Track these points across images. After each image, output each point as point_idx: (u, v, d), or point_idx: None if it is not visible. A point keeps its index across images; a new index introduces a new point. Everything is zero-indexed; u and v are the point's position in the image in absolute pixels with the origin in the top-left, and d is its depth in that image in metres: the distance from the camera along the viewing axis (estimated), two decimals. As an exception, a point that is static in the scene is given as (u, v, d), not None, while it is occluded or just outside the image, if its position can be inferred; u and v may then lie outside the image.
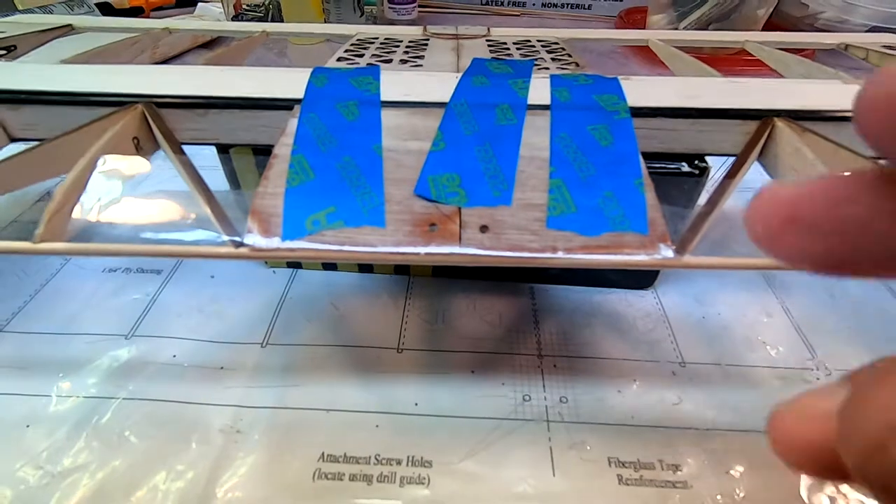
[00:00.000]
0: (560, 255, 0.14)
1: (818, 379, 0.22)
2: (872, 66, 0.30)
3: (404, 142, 0.17)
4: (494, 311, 0.26)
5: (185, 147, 0.18)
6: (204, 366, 0.22)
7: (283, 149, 0.16)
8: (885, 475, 0.06)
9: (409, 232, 0.14)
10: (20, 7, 0.55)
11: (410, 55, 0.27)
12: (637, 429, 0.20)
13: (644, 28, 0.60)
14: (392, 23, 0.67)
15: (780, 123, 0.17)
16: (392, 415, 0.21)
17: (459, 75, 0.20)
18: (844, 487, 0.17)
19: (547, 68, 0.24)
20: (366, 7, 0.63)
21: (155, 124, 0.18)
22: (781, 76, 0.28)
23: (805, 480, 0.18)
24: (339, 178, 0.15)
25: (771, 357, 0.23)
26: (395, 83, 0.19)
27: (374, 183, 0.15)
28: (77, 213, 0.15)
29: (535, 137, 0.17)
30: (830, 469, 0.07)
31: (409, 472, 0.19)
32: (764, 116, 0.18)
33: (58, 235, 0.14)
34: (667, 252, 0.14)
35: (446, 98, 0.18)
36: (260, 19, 0.63)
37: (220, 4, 0.63)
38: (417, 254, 0.14)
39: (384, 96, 0.18)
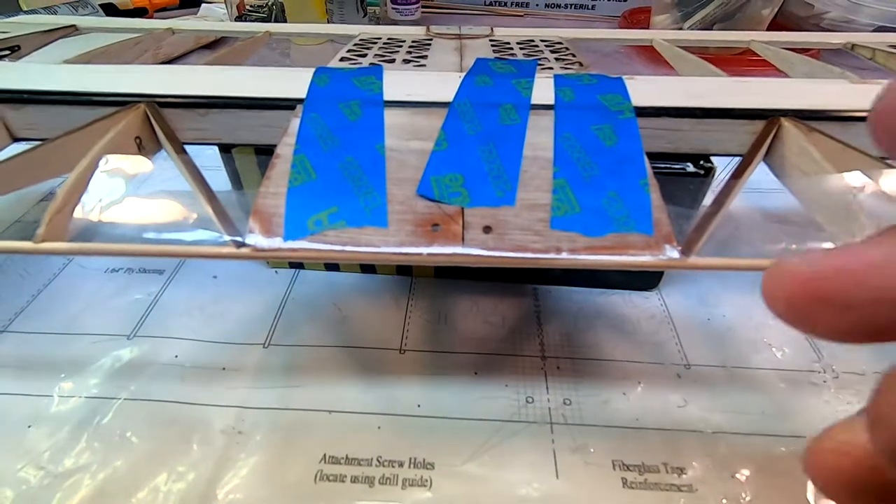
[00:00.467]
0: (564, 255, 0.14)
1: (825, 381, 0.22)
2: (879, 66, 0.29)
3: (407, 142, 0.17)
4: (497, 312, 0.26)
5: (187, 147, 0.18)
6: (206, 366, 0.22)
7: (286, 149, 0.16)
8: None
9: (412, 232, 0.14)
10: (24, 7, 0.55)
11: (413, 55, 0.27)
12: (641, 431, 0.20)
13: (648, 28, 0.60)
14: (395, 23, 0.67)
15: (786, 123, 0.17)
16: (394, 416, 0.21)
17: (462, 75, 0.20)
18: None
19: (550, 68, 0.23)
20: (369, 7, 0.63)
21: (157, 124, 0.18)
22: (787, 76, 0.28)
23: (812, 485, 0.17)
24: (341, 178, 0.15)
25: (777, 359, 0.23)
26: (397, 83, 0.19)
27: (376, 183, 0.15)
28: (79, 213, 0.15)
29: (539, 137, 0.17)
30: (871, 500, 0.07)
31: (412, 474, 0.19)
32: (770, 116, 0.18)
33: (59, 235, 0.14)
34: (672, 253, 0.14)
35: (449, 98, 0.18)
36: (263, 20, 0.63)
37: (223, 5, 0.63)
38: (420, 254, 0.14)
39: (387, 96, 0.18)
